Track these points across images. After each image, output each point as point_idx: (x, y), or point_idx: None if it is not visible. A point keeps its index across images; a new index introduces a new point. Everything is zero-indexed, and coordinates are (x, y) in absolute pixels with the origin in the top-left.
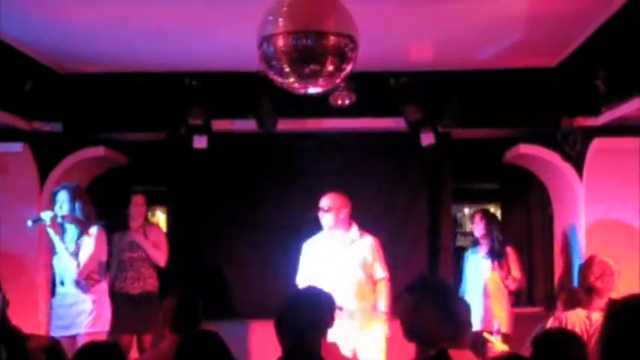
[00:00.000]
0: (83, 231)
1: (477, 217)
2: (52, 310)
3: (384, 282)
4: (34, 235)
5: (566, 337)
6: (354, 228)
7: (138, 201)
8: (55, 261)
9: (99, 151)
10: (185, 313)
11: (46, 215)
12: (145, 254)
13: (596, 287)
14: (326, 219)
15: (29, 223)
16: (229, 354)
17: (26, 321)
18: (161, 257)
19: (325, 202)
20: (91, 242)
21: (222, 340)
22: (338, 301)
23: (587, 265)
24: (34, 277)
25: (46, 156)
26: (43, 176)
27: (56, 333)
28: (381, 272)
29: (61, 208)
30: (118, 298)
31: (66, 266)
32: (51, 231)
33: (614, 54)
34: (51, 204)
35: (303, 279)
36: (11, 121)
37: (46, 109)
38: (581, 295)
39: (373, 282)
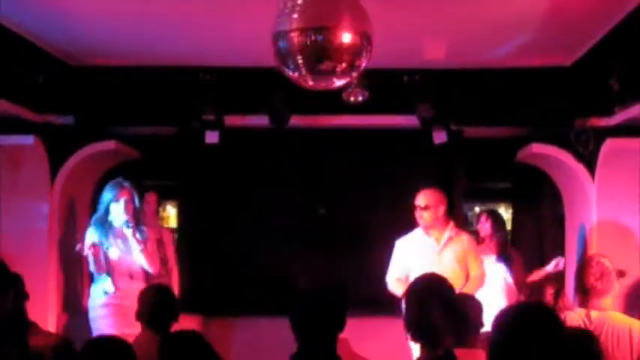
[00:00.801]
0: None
1: (483, 217)
2: (106, 307)
3: (477, 279)
4: (44, 227)
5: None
6: (451, 225)
7: (149, 199)
8: (116, 255)
9: (110, 144)
10: (163, 309)
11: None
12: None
13: (596, 288)
14: (424, 217)
15: (127, 228)
16: (214, 354)
17: (35, 318)
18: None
19: (423, 199)
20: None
21: (205, 340)
22: None
23: (586, 266)
24: (44, 270)
25: (58, 149)
26: (55, 169)
27: (120, 330)
28: (476, 269)
29: (128, 203)
30: None
31: (137, 261)
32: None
33: (628, 54)
34: (64, 196)
35: (395, 277)
36: (23, 114)
37: (58, 102)
38: (581, 295)
39: (467, 279)
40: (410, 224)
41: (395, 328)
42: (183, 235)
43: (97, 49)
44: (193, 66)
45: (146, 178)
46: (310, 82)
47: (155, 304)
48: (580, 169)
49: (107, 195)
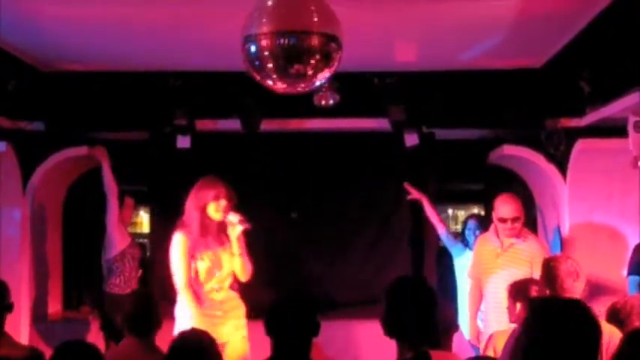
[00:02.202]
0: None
1: (473, 222)
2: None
3: None
4: (16, 234)
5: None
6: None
7: (126, 202)
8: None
9: (82, 150)
10: (145, 316)
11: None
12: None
13: (564, 287)
14: (516, 228)
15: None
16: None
17: (7, 327)
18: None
19: (511, 211)
20: None
21: (212, 342)
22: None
23: (554, 266)
24: (17, 277)
25: (30, 155)
26: (26, 175)
27: None
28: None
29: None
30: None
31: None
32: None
33: (598, 55)
34: (36, 202)
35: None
36: None
37: (30, 108)
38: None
39: None
40: (378, 227)
41: (370, 331)
42: (156, 241)
43: (68, 54)
44: (164, 71)
45: (118, 184)
46: (281, 86)
47: (137, 312)
48: (551, 169)
49: None
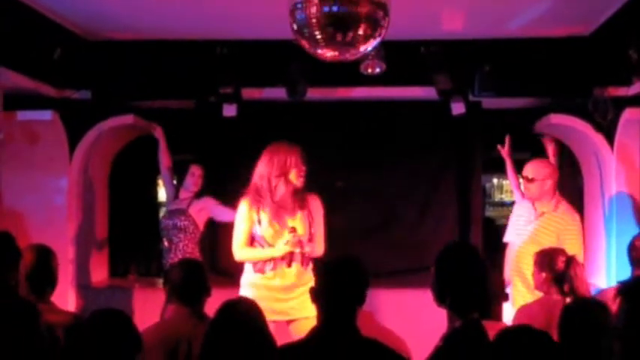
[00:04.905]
0: None
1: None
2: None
3: None
4: (63, 203)
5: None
6: (554, 200)
7: (195, 171)
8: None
9: (128, 119)
10: (193, 284)
11: None
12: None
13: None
14: (530, 190)
15: None
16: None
17: (54, 295)
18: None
19: (530, 171)
20: None
21: (260, 314)
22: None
23: (556, 253)
24: (63, 246)
25: (76, 124)
26: (73, 144)
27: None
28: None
29: None
30: None
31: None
32: None
33: None
34: (83, 171)
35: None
36: (41, 89)
37: (76, 77)
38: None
39: None
40: (423, 196)
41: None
42: None
43: (114, 23)
44: (210, 39)
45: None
46: (328, 54)
47: (184, 280)
48: (599, 139)
49: None
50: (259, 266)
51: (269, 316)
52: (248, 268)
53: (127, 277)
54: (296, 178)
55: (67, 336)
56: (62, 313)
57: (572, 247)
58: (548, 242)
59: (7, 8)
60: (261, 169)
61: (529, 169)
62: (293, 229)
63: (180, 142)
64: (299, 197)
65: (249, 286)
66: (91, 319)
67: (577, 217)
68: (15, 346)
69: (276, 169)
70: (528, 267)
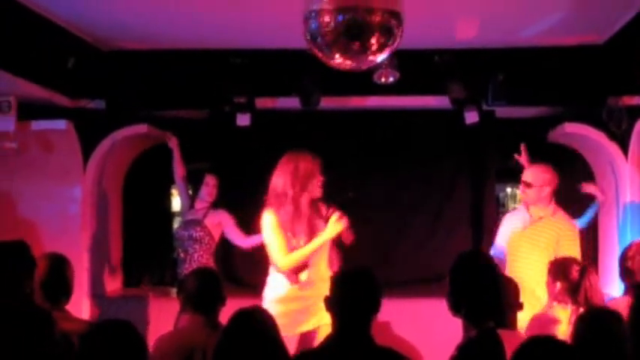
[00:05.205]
0: None
1: None
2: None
3: None
4: (77, 212)
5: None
6: (550, 207)
7: (209, 181)
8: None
9: (142, 128)
10: (207, 292)
11: None
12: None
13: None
14: (527, 194)
15: None
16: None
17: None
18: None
19: (529, 176)
20: None
21: (274, 324)
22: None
23: (569, 262)
24: (77, 255)
25: (90, 133)
26: (87, 154)
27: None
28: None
29: None
30: None
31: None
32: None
33: None
34: (97, 180)
35: (494, 250)
36: (55, 99)
37: (90, 87)
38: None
39: None
40: (436, 206)
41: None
42: None
43: (129, 33)
44: (224, 49)
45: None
46: (341, 63)
47: (199, 289)
48: (613, 148)
49: None
50: (293, 278)
51: (300, 328)
52: (275, 284)
53: (141, 287)
54: (318, 188)
55: (81, 344)
56: (77, 321)
57: (570, 253)
58: (549, 245)
59: (21, 18)
60: (282, 178)
61: (528, 174)
62: (333, 210)
63: (194, 152)
64: (318, 207)
65: (276, 303)
66: (96, 329)
67: (574, 224)
68: (30, 353)
69: (298, 178)
70: (535, 275)
